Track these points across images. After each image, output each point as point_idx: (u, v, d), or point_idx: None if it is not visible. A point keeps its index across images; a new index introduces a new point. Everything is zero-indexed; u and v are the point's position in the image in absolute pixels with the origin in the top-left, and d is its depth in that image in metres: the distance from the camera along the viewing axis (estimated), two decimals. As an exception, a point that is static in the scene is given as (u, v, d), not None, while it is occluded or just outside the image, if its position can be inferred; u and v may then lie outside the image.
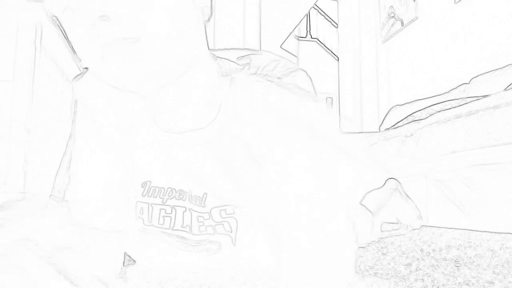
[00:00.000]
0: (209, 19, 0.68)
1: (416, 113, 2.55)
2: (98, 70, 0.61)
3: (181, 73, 0.63)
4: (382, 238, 1.23)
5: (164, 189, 0.65)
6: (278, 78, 0.69)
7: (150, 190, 0.65)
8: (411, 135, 1.85)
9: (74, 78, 0.73)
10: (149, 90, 0.63)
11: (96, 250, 0.57)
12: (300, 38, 6.60)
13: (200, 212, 0.59)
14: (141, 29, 0.57)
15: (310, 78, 0.71)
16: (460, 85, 2.76)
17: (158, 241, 0.63)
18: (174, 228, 0.62)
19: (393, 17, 4.25)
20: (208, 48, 0.68)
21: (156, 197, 0.64)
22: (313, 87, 0.71)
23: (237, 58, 0.72)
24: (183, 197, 0.63)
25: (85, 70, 0.72)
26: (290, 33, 5.83)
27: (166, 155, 0.67)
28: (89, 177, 0.68)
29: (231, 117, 0.67)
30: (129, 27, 0.57)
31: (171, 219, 0.61)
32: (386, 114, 3.40)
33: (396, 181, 1.40)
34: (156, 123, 0.68)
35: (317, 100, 0.66)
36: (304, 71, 0.72)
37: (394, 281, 0.74)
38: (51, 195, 0.69)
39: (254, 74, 0.69)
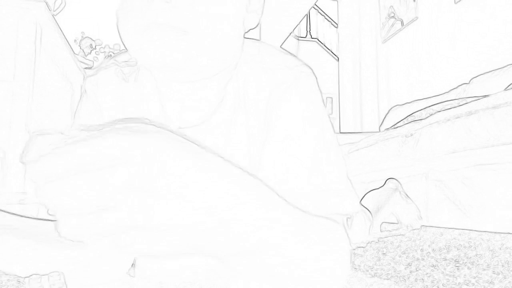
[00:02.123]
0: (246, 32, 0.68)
1: (416, 113, 2.55)
2: (137, 44, 0.59)
3: (214, 74, 0.64)
4: (382, 238, 1.23)
5: None
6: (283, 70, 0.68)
7: None
8: (411, 135, 1.85)
9: (88, 73, 0.72)
10: (185, 79, 0.63)
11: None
12: (300, 38, 6.61)
13: None
14: (192, 23, 0.56)
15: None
16: (460, 85, 2.77)
17: None
18: None
19: (393, 17, 4.25)
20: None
21: None
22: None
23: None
24: None
25: (98, 67, 0.71)
26: (290, 33, 5.84)
27: None
28: None
29: (232, 110, 0.67)
30: (181, 16, 0.56)
31: None
32: (386, 114, 3.41)
33: (396, 181, 1.40)
34: (167, 120, 0.67)
35: None
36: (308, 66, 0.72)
37: (394, 281, 0.74)
38: None
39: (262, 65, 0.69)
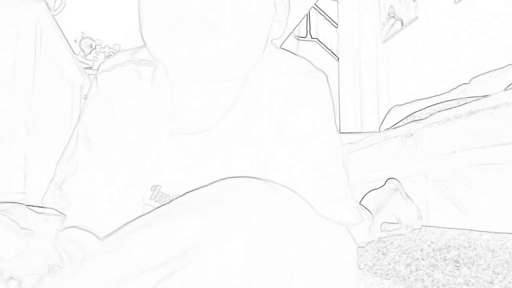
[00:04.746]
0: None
1: (416, 113, 2.55)
2: (163, 37, 0.56)
3: (235, 77, 0.63)
4: (382, 238, 1.23)
5: (169, 196, 0.64)
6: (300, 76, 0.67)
7: (157, 196, 0.65)
8: (411, 135, 1.85)
9: (102, 67, 0.68)
10: (205, 80, 0.61)
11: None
12: (300, 38, 6.61)
13: None
14: (224, 18, 0.55)
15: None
16: (460, 85, 2.77)
17: None
18: None
19: (393, 17, 4.25)
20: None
21: (162, 203, 0.64)
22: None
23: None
24: None
25: (114, 63, 0.68)
26: (290, 33, 5.83)
27: (179, 155, 0.66)
28: (103, 171, 0.64)
29: (243, 114, 0.66)
30: (214, 9, 0.54)
31: None
32: (386, 114, 3.40)
33: (396, 181, 1.40)
34: (176, 124, 0.66)
35: None
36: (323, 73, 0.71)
37: (394, 281, 0.74)
38: (52, 179, 0.66)
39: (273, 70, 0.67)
